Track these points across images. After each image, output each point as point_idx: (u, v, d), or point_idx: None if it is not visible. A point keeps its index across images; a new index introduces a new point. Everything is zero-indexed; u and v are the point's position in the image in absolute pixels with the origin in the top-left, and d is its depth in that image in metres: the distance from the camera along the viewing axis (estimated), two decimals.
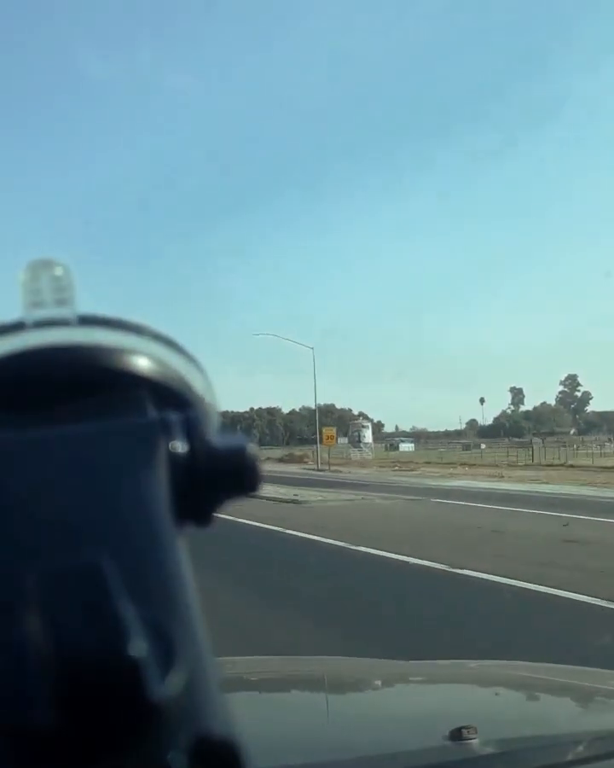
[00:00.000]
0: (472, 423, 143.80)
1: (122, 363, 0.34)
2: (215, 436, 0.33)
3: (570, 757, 1.22)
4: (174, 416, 0.32)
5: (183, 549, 0.29)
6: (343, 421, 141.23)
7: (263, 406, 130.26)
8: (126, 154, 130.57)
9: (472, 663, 2.37)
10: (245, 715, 1.35)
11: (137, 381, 0.34)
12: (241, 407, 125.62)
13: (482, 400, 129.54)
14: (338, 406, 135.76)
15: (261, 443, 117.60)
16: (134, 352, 0.35)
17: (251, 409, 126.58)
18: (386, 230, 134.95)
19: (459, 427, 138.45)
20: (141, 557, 0.27)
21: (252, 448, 0.33)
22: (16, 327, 0.35)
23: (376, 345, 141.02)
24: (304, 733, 1.49)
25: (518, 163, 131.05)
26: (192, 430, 0.32)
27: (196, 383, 0.37)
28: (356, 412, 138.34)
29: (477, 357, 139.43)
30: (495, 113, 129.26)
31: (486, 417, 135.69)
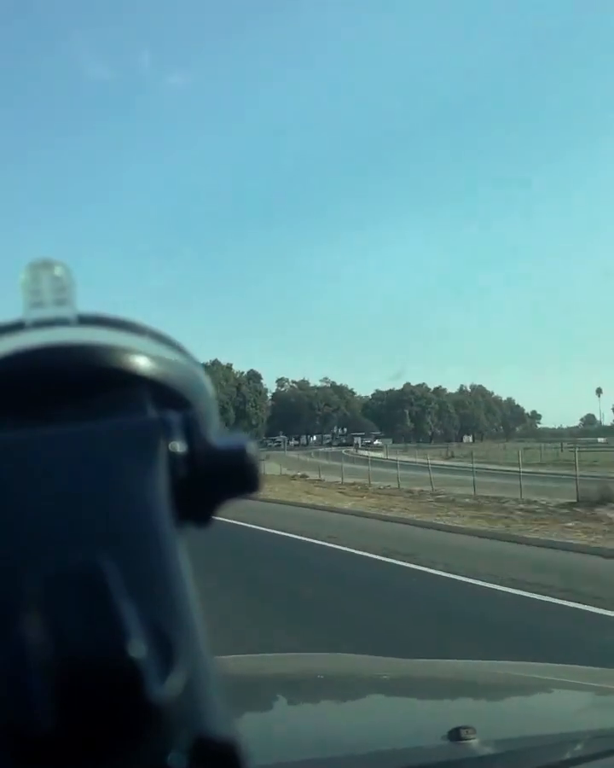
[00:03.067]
0: (589, 418, 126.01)
1: (122, 363, 0.34)
2: (215, 436, 0.33)
3: (568, 756, 1.23)
4: (174, 416, 0.32)
5: (183, 550, 0.29)
6: (490, 409, 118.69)
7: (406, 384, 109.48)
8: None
9: (471, 663, 2.37)
10: (243, 714, 1.36)
11: (137, 381, 0.34)
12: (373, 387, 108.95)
13: (599, 391, 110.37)
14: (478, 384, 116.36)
15: (432, 438, 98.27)
16: (134, 351, 0.35)
17: (408, 384, 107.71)
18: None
19: (571, 424, 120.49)
20: (141, 557, 0.27)
21: (252, 448, 0.33)
22: (16, 327, 0.35)
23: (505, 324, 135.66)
24: (302, 732, 1.49)
25: None
26: (192, 430, 0.32)
27: (196, 383, 0.37)
28: (503, 398, 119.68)
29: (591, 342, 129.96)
30: None
31: (604, 412, 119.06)
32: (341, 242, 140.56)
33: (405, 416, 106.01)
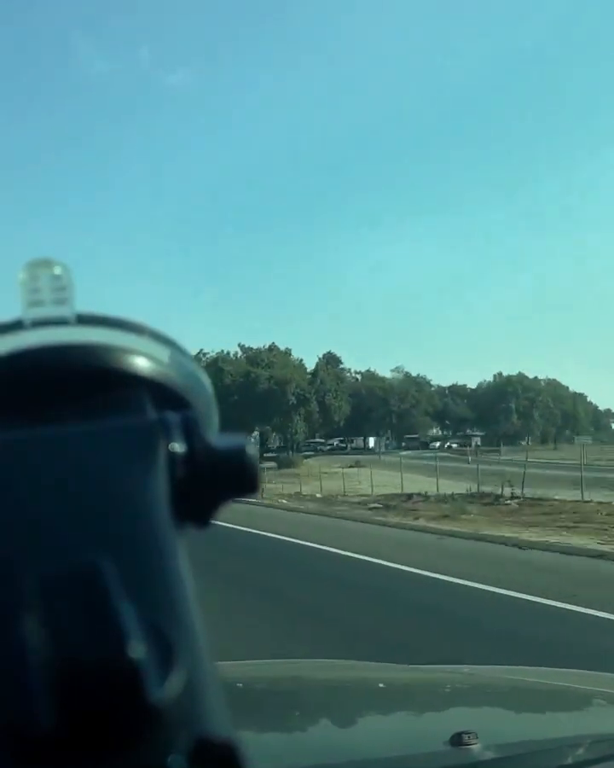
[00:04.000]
0: None
1: (121, 363, 0.34)
2: (214, 436, 0.33)
3: (570, 760, 1.23)
4: (173, 416, 0.32)
5: (183, 551, 0.29)
6: (584, 406, 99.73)
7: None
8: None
9: (472, 668, 2.36)
10: (245, 718, 1.36)
11: (136, 381, 0.34)
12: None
13: None
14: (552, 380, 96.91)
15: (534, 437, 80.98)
16: (133, 351, 0.35)
17: (499, 374, 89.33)
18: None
19: None
20: (140, 558, 0.28)
21: (252, 448, 0.33)
22: (15, 326, 0.35)
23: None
24: (303, 737, 1.50)
25: None
26: (191, 430, 0.32)
27: (195, 383, 0.37)
28: (571, 391, 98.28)
29: None
30: None
31: None
32: (364, 234, 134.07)
33: (511, 411, 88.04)
